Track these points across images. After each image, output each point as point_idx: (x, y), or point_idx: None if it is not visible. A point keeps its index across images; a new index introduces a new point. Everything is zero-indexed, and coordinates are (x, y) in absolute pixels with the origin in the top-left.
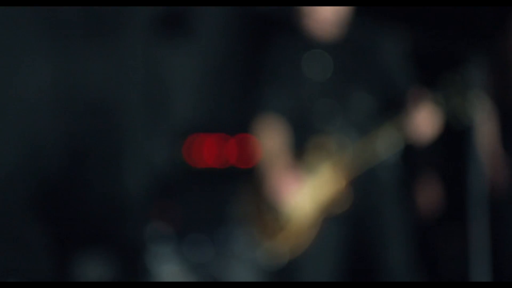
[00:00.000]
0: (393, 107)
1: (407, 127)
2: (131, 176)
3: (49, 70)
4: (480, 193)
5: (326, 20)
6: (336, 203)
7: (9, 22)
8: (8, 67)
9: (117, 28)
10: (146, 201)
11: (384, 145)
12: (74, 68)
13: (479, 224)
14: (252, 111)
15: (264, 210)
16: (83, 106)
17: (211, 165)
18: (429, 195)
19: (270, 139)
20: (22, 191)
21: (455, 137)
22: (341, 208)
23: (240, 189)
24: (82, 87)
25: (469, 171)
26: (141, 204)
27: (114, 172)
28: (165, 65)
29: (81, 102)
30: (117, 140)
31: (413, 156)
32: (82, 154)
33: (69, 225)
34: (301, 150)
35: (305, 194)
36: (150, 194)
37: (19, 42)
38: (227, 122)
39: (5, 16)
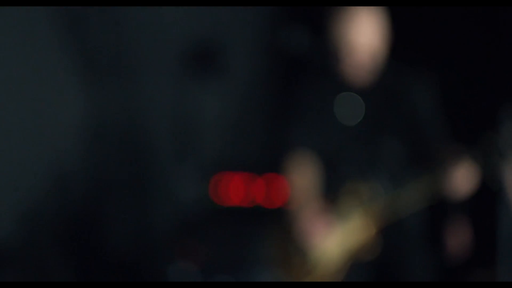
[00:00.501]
0: (425, 157)
1: (441, 181)
2: (157, 213)
3: (79, 104)
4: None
5: (360, 65)
6: (364, 249)
7: (41, 57)
8: (38, 101)
9: (146, 64)
10: (172, 239)
11: (416, 195)
12: (103, 103)
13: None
14: (282, 149)
15: (291, 252)
16: (111, 142)
17: (237, 204)
18: (458, 243)
19: (301, 178)
20: (48, 225)
21: (488, 191)
22: (369, 254)
23: (267, 229)
24: (110, 122)
25: (500, 223)
26: (167, 242)
27: (140, 208)
28: (194, 102)
29: (109, 138)
30: (144, 176)
31: (444, 207)
32: (109, 190)
33: (93, 260)
34: (332, 194)
35: (334, 238)
36: (175, 232)
37: (49, 76)
38: (254, 161)
39: (37, 52)
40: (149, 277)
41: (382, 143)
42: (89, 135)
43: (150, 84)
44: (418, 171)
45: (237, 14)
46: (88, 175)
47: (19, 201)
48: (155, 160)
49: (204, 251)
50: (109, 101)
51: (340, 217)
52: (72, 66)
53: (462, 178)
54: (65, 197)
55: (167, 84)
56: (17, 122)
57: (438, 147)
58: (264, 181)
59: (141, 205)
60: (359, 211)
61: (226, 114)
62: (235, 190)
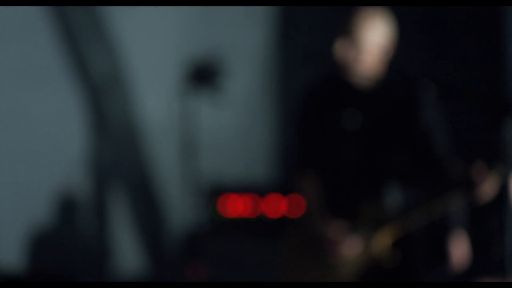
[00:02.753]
0: (432, 168)
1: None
2: (162, 235)
3: (84, 129)
4: None
5: (370, 66)
6: (381, 261)
7: (45, 85)
8: (44, 128)
9: (149, 86)
10: (178, 260)
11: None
12: (106, 126)
13: None
14: (291, 166)
15: (308, 265)
16: (115, 162)
17: (240, 215)
18: (463, 251)
19: (310, 195)
20: (53, 251)
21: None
22: (386, 265)
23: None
24: (114, 142)
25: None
26: (174, 263)
27: (146, 227)
28: (197, 121)
29: (115, 158)
30: (148, 196)
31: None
32: (115, 209)
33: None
34: (350, 211)
35: (351, 252)
36: (182, 252)
37: (55, 103)
38: (257, 182)
39: (41, 81)
40: None
41: (393, 156)
42: (93, 157)
43: (152, 105)
44: (429, 184)
45: (240, 28)
46: (93, 195)
47: (25, 227)
48: (159, 181)
49: (208, 271)
50: (111, 123)
51: (358, 233)
52: (75, 92)
53: (473, 189)
54: (68, 218)
55: (170, 106)
56: (23, 151)
57: (446, 158)
58: (267, 201)
59: (146, 224)
60: (379, 226)
61: (230, 133)
62: (238, 209)
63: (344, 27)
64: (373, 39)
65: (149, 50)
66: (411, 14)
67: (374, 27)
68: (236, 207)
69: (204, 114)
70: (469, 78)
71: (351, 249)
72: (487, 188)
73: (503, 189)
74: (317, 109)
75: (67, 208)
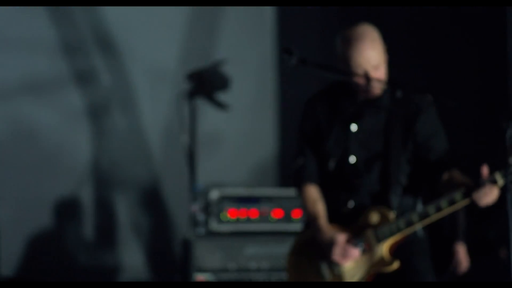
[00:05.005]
0: (432, 176)
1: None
2: (166, 243)
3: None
4: None
5: (366, 82)
6: (383, 268)
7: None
8: (51, 139)
9: (153, 93)
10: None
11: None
12: (110, 137)
13: None
14: (292, 178)
15: (312, 271)
16: (120, 171)
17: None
18: (465, 258)
19: (313, 206)
20: (58, 260)
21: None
22: (387, 270)
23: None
24: (119, 150)
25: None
26: (178, 270)
27: (152, 236)
28: (199, 130)
29: (118, 168)
30: (154, 203)
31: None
32: (119, 216)
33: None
34: (354, 218)
35: (353, 260)
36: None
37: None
38: (263, 198)
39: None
40: None
41: (394, 165)
42: (99, 166)
43: (157, 115)
44: (431, 192)
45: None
46: (98, 204)
47: (31, 236)
48: (164, 190)
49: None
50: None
51: (360, 241)
52: (81, 103)
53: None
54: (76, 222)
55: (174, 116)
56: (31, 162)
57: (447, 166)
58: (272, 215)
59: (151, 231)
60: (378, 235)
61: (233, 142)
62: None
63: (337, 49)
64: (365, 57)
65: (154, 61)
66: (413, 19)
67: (363, 47)
68: (238, 214)
69: (207, 124)
70: (472, 85)
71: (353, 256)
72: (489, 194)
73: (507, 194)
74: (316, 118)
75: (72, 216)
